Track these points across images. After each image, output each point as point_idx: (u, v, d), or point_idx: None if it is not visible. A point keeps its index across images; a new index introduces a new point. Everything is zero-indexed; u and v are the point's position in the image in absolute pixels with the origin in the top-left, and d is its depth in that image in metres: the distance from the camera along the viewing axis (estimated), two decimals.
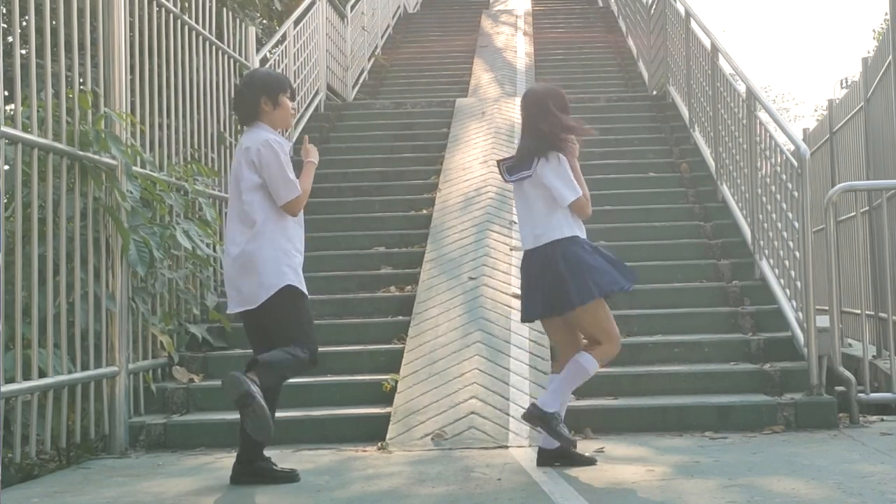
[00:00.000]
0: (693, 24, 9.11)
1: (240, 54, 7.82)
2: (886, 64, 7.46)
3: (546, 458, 4.42)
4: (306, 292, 4.33)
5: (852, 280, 8.53)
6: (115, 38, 5.46)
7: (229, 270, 4.29)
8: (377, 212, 8.43)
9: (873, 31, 29.32)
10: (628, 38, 14.41)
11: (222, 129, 7.34)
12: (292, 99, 4.42)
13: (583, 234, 4.47)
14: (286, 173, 4.23)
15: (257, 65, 8.18)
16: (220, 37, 7.39)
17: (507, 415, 5.23)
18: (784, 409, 5.31)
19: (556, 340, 4.59)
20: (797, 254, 5.73)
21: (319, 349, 6.13)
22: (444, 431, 5.11)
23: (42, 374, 4.57)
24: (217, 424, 5.41)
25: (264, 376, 4.05)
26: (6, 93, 4.60)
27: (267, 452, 5.06)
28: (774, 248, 6.38)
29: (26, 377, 4.48)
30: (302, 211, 4.36)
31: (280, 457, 4.86)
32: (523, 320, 4.60)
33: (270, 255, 4.21)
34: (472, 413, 5.25)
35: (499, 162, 4.72)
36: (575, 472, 4.31)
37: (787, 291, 6.09)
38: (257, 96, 4.29)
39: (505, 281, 6.74)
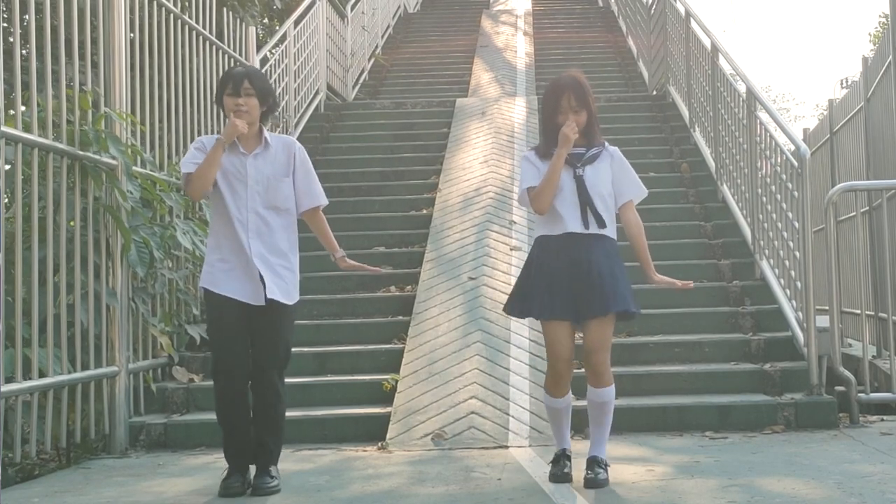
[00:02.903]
0: (693, 24, 9.11)
1: (240, 54, 7.81)
2: (886, 64, 7.45)
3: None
4: (220, 293, 4.19)
5: (852, 280, 8.53)
6: (115, 38, 5.46)
7: None
8: (377, 212, 8.43)
9: (869, 34, 29.36)
10: (628, 37, 14.41)
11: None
12: (235, 93, 4.17)
13: (549, 231, 4.14)
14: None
15: (257, 64, 8.18)
16: (220, 36, 7.38)
17: (507, 415, 5.23)
18: (784, 409, 5.31)
19: None
20: (797, 254, 5.73)
21: (320, 349, 6.20)
22: (444, 431, 5.10)
23: (42, 374, 4.57)
24: (217, 424, 5.40)
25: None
26: (7, 86, 4.59)
27: None
28: (774, 248, 6.38)
29: (26, 377, 4.48)
30: (250, 213, 4.18)
31: (280, 457, 4.86)
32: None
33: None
34: (472, 413, 5.25)
35: None
36: (575, 471, 4.30)
37: (788, 291, 6.09)
38: (217, 99, 4.31)
39: (505, 281, 6.73)
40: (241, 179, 4.20)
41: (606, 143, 4.29)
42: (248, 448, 4.23)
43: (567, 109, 4.14)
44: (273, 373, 4.22)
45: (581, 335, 4.14)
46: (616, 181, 4.21)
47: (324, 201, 4.42)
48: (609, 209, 4.17)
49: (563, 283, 4.05)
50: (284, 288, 4.21)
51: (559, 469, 4.13)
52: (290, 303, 4.24)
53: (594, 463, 4.08)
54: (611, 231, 4.16)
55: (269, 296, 4.14)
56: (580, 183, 4.11)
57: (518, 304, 4.19)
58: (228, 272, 4.17)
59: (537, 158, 4.22)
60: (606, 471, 4.09)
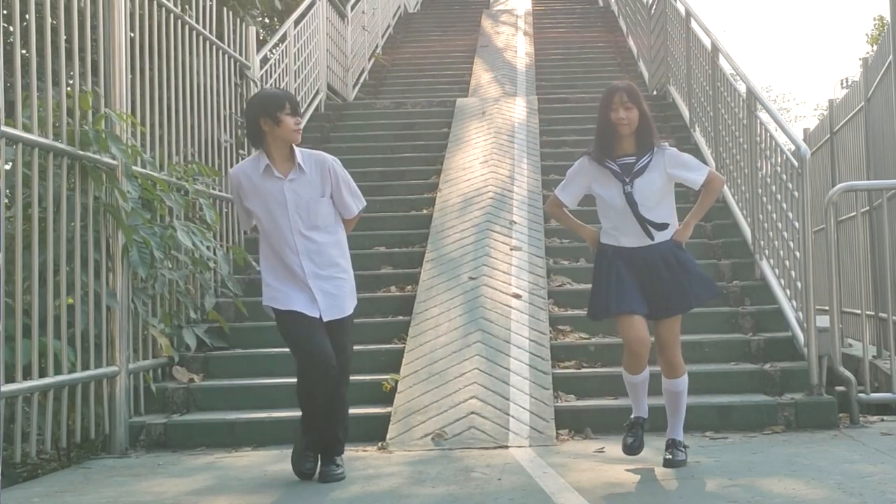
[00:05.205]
0: (693, 24, 9.11)
1: (240, 54, 7.82)
2: (887, 64, 7.46)
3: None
4: (279, 308, 4.34)
5: (852, 280, 8.53)
6: (115, 38, 5.46)
7: None
8: (377, 212, 8.41)
9: (866, 34, 29.42)
10: (628, 37, 14.41)
11: (222, 130, 7.35)
12: (294, 113, 4.30)
13: (610, 241, 4.38)
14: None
15: (257, 64, 8.19)
16: (220, 37, 7.38)
17: (507, 415, 5.23)
18: (784, 409, 5.31)
19: None
20: (797, 254, 5.73)
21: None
22: (444, 431, 5.10)
23: (42, 373, 4.57)
24: (217, 424, 5.42)
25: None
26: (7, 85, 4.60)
27: (268, 453, 5.08)
28: (775, 248, 6.38)
29: (26, 377, 4.48)
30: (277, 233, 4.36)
31: (280, 456, 4.88)
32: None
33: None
34: (472, 413, 5.25)
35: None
36: (575, 471, 4.31)
37: (788, 291, 6.08)
38: (257, 117, 4.31)
39: (505, 281, 6.74)
40: (280, 204, 4.29)
41: (657, 146, 4.40)
42: (322, 436, 4.43)
43: (619, 105, 4.35)
44: (339, 376, 4.37)
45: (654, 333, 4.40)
46: (679, 178, 4.42)
47: (353, 212, 4.51)
48: (664, 215, 4.37)
49: (633, 281, 4.29)
50: (339, 304, 4.36)
51: (634, 440, 4.46)
52: (348, 314, 4.42)
53: (672, 445, 4.42)
54: (670, 232, 4.37)
55: (325, 318, 4.30)
56: (630, 199, 4.31)
57: (598, 308, 4.41)
58: (289, 290, 4.30)
59: (590, 164, 4.42)
60: (685, 452, 4.42)
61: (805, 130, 11.73)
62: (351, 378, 5.83)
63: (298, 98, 9.67)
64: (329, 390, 4.29)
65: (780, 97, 43.36)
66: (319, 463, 4.40)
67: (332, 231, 4.39)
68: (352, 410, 5.47)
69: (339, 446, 4.44)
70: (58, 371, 4.70)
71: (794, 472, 4.17)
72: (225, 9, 7.69)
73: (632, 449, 4.45)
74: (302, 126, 4.36)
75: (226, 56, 7.44)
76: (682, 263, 4.35)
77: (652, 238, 4.31)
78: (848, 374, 5.46)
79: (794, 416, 5.28)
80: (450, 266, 7.06)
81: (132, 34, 5.78)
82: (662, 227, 4.33)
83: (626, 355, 4.39)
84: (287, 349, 4.48)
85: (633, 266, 4.32)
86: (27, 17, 4.87)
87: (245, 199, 4.36)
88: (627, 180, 4.31)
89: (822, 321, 5.48)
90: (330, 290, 4.32)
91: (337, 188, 4.40)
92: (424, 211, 8.31)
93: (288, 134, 4.29)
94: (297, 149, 4.36)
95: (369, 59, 13.66)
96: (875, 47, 10.85)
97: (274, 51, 9.36)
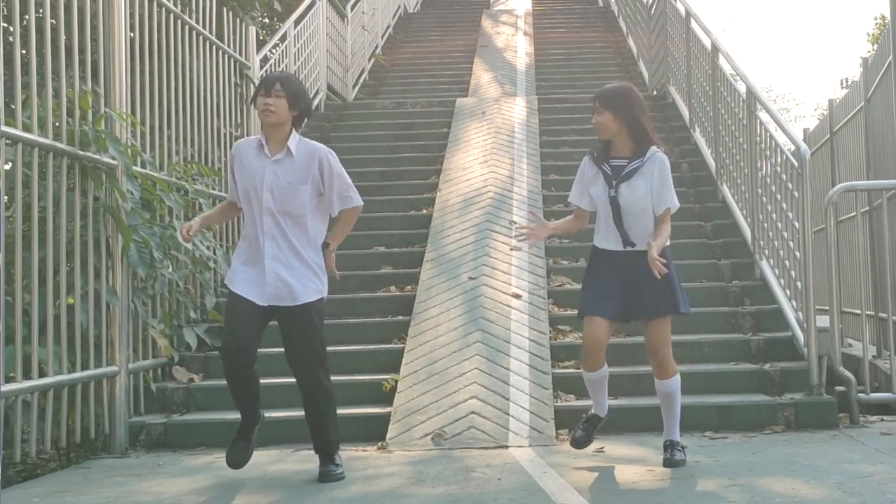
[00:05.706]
0: (693, 24, 9.11)
1: (240, 54, 7.82)
2: (887, 64, 7.45)
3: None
4: (235, 291, 4.31)
5: (852, 280, 8.53)
6: (115, 38, 5.46)
7: None
8: (377, 212, 8.42)
9: (867, 34, 29.44)
10: (628, 37, 14.42)
11: (222, 129, 7.35)
12: (266, 94, 4.26)
13: (598, 243, 4.40)
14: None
15: (257, 65, 8.19)
16: (220, 37, 7.38)
17: (507, 415, 5.23)
18: (784, 409, 5.31)
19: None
20: (797, 254, 5.73)
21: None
22: (444, 431, 5.10)
23: (42, 373, 4.57)
24: (217, 424, 5.41)
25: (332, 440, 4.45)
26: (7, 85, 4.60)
27: (268, 453, 5.07)
28: (774, 248, 6.38)
29: (26, 377, 4.48)
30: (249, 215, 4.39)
31: (280, 456, 4.88)
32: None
33: None
34: (472, 413, 5.25)
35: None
36: (575, 471, 4.31)
37: (788, 291, 6.08)
38: (254, 102, 4.40)
39: (505, 281, 6.74)
40: (259, 181, 4.29)
41: (652, 152, 4.37)
42: (252, 419, 4.42)
43: (594, 110, 4.42)
44: (313, 368, 4.34)
45: (639, 335, 4.49)
46: (653, 192, 4.32)
47: (348, 206, 4.47)
48: (646, 224, 4.32)
49: (612, 285, 4.30)
50: (291, 292, 4.26)
51: (584, 434, 4.55)
52: (301, 303, 4.27)
53: (670, 446, 4.38)
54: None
55: (270, 303, 4.24)
56: (614, 205, 4.30)
57: (580, 309, 4.43)
58: (245, 271, 4.29)
59: (587, 163, 4.48)
60: (683, 452, 4.39)
61: (805, 130, 11.71)
62: (351, 378, 5.89)
63: None
64: (238, 379, 4.27)
65: (780, 97, 43.35)
66: (319, 463, 4.39)
67: (306, 223, 4.32)
68: (352, 410, 5.50)
69: (330, 446, 4.40)
70: (56, 372, 4.69)
71: (793, 472, 4.17)
72: (225, 9, 7.69)
73: (578, 442, 4.55)
74: (273, 106, 4.24)
75: (225, 56, 7.44)
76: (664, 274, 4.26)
77: (624, 246, 4.30)
78: (848, 374, 5.46)
79: (793, 416, 5.28)
80: (450, 266, 7.06)
81: (132, 34, 5.78)
82: (638, 239, 4.28)
83: (582, 352, 4.42)
84: (284, 349, 4.44)
85: (618, 269, 4.31)
86: (27, 16, 4.87)
87: (237, 172, 4.38)
88: (614, 184, 4.31)
89: (822, 321, 5.48)
90: (284, 276, 4.25)
91: (329, 182, 4.35)
92: (424, 211, 8.31)
93: (259, 114, 4.32)
94: (295, 135, 4.35)
95: (369, 60, 13.66)
96: (875, 47, 10.85)
97: (274, 51, 9.36)
